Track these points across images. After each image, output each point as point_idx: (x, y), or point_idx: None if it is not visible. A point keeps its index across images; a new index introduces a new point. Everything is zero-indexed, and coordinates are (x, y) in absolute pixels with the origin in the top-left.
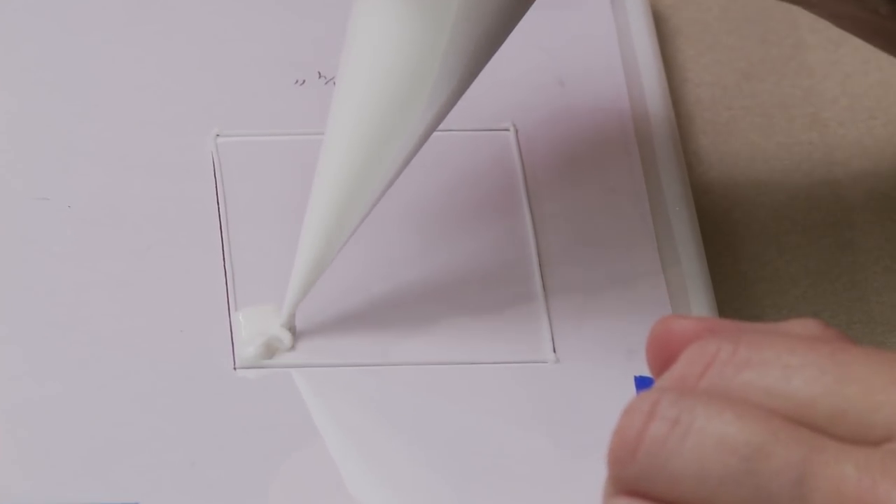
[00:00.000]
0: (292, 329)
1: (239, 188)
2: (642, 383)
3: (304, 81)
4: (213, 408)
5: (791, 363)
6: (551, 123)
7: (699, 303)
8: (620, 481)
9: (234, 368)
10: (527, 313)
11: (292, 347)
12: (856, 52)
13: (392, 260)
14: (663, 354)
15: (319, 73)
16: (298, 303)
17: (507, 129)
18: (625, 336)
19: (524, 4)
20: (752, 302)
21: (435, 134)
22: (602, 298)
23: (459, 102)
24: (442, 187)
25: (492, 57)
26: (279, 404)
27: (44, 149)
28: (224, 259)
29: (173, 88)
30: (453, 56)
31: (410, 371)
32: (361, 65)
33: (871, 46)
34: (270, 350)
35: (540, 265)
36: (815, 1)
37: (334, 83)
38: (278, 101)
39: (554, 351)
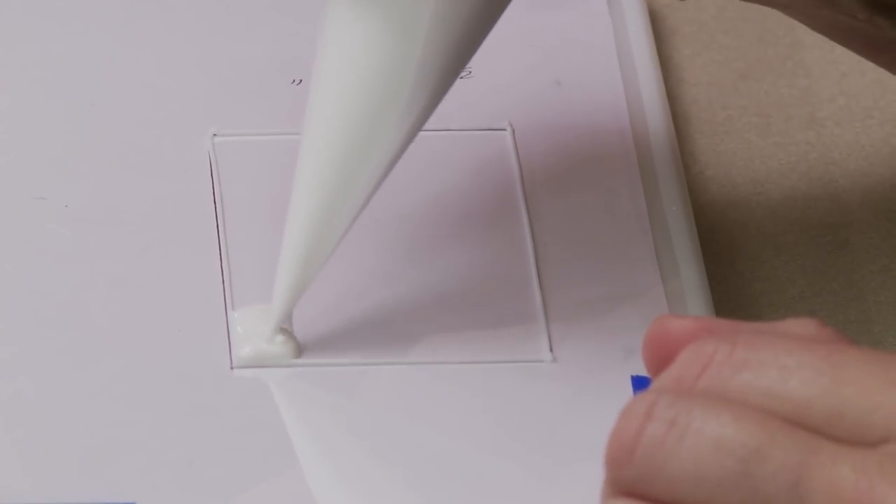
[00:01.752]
0: (294, 343)
1: (236, 188)
2: (639, 383)
3: (300, 81)
4: (210, 407)
5: (788, 364)
6: (548, 123)
7: (696, 302)
8: (618, 483)
9: (231, 368)
10: (524, 312)
11: (299, 357)
12: (852, 52)
13: (389, 259)
14: (660, 354)
15: None
16: (279, 325)
17: (504, 129)
18: (622, 335)
19: (495, 15)
20: (749, 301)
21: (432, 134)
22: (599, 297)
23: (457, 102)
24: (439, 187)
25: (465, 66)
26: (276, 404)
27: (41, 148)
28: (221, 258)
29: (170, 88)
30: (427, 68)
31: (408, 370)
32: (333, 78)
33: None
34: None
35: (537, 264)
36: (788, 3)
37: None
38: (275, 100)
39: (551, 350)
